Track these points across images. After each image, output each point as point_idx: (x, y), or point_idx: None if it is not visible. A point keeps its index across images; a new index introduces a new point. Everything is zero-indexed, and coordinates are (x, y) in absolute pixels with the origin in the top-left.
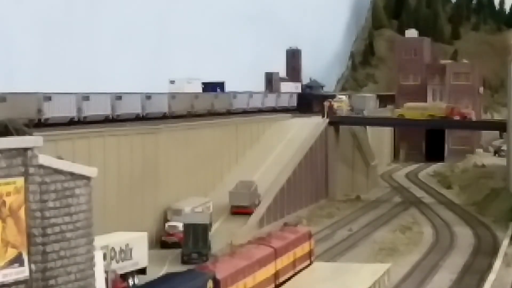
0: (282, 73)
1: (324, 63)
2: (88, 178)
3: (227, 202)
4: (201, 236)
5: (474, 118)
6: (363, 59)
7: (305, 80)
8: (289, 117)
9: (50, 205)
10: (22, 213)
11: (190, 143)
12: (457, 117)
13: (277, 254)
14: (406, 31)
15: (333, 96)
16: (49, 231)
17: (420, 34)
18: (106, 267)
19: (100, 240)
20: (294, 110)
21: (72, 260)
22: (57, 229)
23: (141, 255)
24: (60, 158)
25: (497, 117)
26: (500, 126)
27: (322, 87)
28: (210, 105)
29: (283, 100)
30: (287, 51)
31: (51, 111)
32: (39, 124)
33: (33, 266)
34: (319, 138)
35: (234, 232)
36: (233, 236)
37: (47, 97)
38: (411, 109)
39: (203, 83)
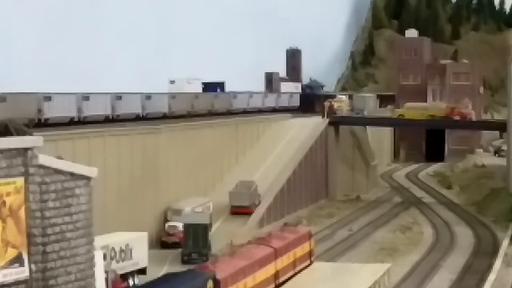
0: (282, 73)
1: (324, 63)
2: (88, 178)
3: (227, 202)
4: (201, 236)
5: (474, 118)
6: (363, 59)
7: (305, 80)
8: (289, 117)
9: (50, 205)
10: (22, 213)
11: (190, 143)
12: (457, 117)
13: (277, 254)
14: (406, 31)
15: (335, 96)
16: (49, 231)
17: (420, 34)
18: (106, 267)
19: (100, 240)
20: (296, 110)
21: (72, 260)
22: (57, 229)
23: (141, 255)
24: (60, 158)
25: (497, 117)
26: (500, 126)
27: (322, 87)
28: (210, 105)
29: (283, 100)
30: (287, 51)
31: (51, 111)
32: (39, 124)
33: (33, 266)
34: (319, 138)
35: (234, 232)
36: (233, 236)
37: (47, 97)
38: (411, 109)
39: (203, 83)
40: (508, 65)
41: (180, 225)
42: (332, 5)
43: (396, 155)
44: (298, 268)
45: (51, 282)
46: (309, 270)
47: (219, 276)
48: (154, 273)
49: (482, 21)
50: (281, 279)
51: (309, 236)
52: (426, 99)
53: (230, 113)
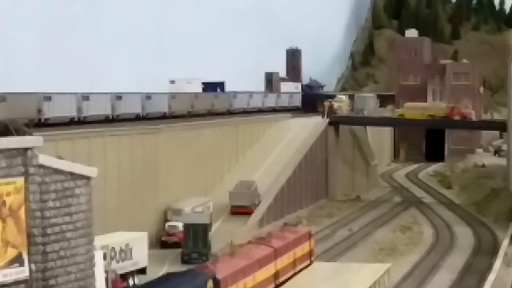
0: (282, 73)
1: (324, 63)
2: (88, 178)
3: (227, 202)
4: (201, 236)
5: (474, 118)
6: (363, 59)
7: (305, 80)
8: (289, 117)
9: (50, 205)
10: (22, 213)
11: (190, 143)
12: (457, 117)
13: (277, 254)
14: (406, 31)
15: (336, 96)
16: (49, 231)
17: (420, 34)
18: (106, 267)
19: (100, 240)
20: (298, 110)
21: (72, 260)
22: (57, 229)
23: (141, 255)
24: (60, 158)
25: (497, 117)
26: (500, 126)
27: (322, 87)
28: (210, 105)
29: (283, 100)
30: (287, 51)
31: (51, 111)
32: (39, 124)
33: (33, 266)
34: (319, 138)
35: (234, 232)
36: (233, 236)
37: (47, 97)
38: (411, 109)
39: (203, 83)
40: (508, 65)
41: (180, 225)
42: (332, 5)
43: (396, 155)
44: (298, 268)
45: (51, 282)
46: (309, 270)
47: (219, 276)
48: (154, 273)
49: (482, 21)
50: (281, 279)
51: (309, 236)
52: (426, 99)
53: (230, 113)
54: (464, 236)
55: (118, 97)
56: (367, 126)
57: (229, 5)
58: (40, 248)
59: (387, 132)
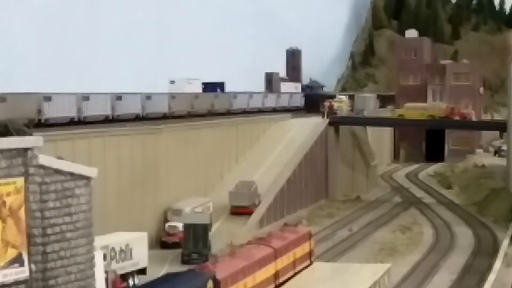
0: (282, 73)
1: (324, 63)
2: (88, 178)
3: (227, 202)
4: (201, 236)
5: (474, 118)
6: (363, 59)
7: (305, 80)
8: (289, 117)
9: (50, 205)
10: (22, 213)
11: (190, 143)
12: (457, 117)
13: (277, 254)
14: (406, 31)
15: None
16: (49, 231)
17: (420, 34)
18: (106, 267)
19: (100, 240)
20: (300, 110)
21: (72, 260)
22: (57, 229)
23: (141, 255)
24: (60, 158)
25: (497, 117)
26: (500, 126)
27: (322, 87)
28: (210, 105)
29: (283, 100)
30: (287, 51)
31: (51, 111)
32: (39, 124)
33: (33, 266)
34: (319, 138)
35: (234, 232)
36: (233, 236)
37: (47, 97)
38: (411, 109)
39: (203, 83)
40: (508, 65)
41: (180, 225)
42: (332, 5)
43: (396, 155)
44: (298, 268)
45: (51, 282)
46: (309, 270)
47: (219, 276)
48: (154, 273)
49: (482, 21)
50: (281, 279)
51: (309, 236)
52: (426, 99)
53: (230, 113)
54: (464, 236)
55: (118, 97)
56: (367, 126)
57: (229, 5)
58: (40, 248)
59: (387, 133)
